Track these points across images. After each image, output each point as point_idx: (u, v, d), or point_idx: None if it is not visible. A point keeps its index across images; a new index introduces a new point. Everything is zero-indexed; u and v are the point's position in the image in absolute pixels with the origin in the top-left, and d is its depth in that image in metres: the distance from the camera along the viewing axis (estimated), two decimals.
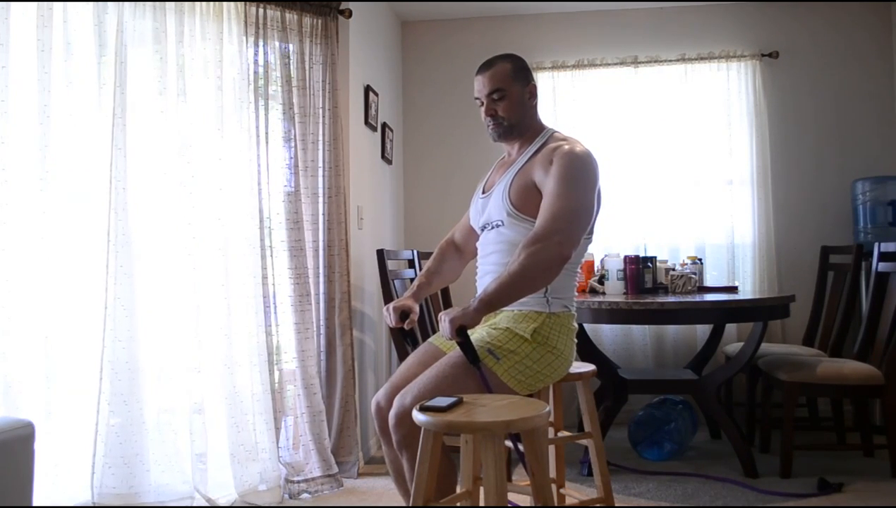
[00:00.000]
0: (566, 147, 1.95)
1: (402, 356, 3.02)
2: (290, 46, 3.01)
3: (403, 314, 2.04)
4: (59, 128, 2.42)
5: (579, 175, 1.89)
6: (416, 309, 2.06)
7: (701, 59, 4.05)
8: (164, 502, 2.56)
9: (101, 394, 2.48)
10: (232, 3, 2.86)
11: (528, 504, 2.11)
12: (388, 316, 2.04)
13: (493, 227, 2.04)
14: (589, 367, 2.25)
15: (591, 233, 2.04)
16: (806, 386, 2.95)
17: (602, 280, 3.44)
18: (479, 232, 2.15)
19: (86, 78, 2.50)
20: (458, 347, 1.82)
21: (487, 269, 2.04)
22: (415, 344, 2.08)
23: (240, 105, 2.85)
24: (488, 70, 2.02)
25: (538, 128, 2.08)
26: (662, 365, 3.99)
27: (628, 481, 2.94)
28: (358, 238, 3.39)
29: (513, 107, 2.01)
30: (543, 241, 1.80)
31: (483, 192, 2.15)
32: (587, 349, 3.15)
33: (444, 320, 1.75)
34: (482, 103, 2.03)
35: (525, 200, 1.95)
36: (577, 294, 2.13)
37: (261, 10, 2.92)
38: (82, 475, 2.48)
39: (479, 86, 2.03)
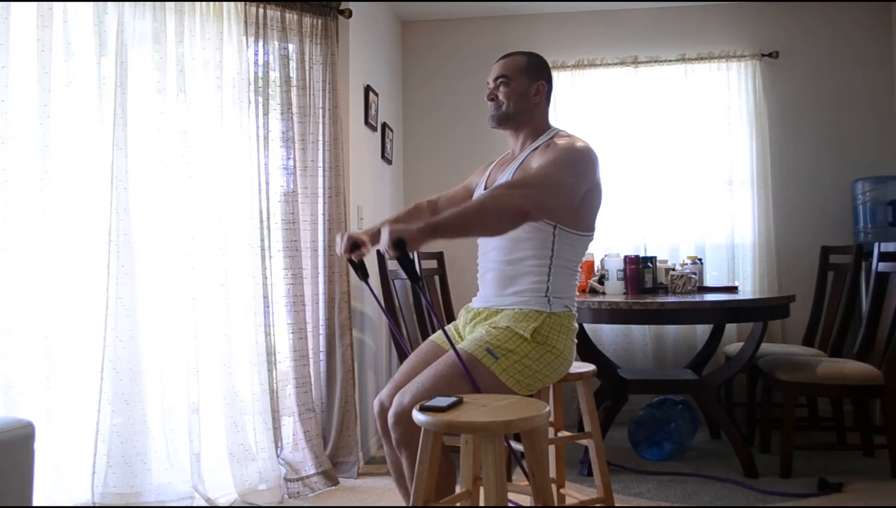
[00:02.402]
0: (567, 139, 1.96)
1: (402, 356, 3.01)
2: (290, 46, 3.01)
3: (354, 245, 2.00)
4: (59, 128, 2.42)
5: (572, 161, 1.89)
6: (369, 245, 2.02)
7: (701, 59, 4.05)
8: (165, 501, 2.57)
9: (102, 394, 2.48)
10: (232, 3, 2.86)
11: (529, 504, 2.11)
12: (339, 243, 2.00)
13: None
14: (589, 367, 2.25)
15: (592, 231, 2.04)
16: (806, 385, 2.95)
17: (602, 280, 3.45)
18: None
19: (86, 78, 2.50)
20: (458, 347, 1.81)
21: (489, 267, 2.03)
22: (365, 277, 2.08)
23: (240, 105, 2.85)
24: (503, 59, 2.07)
25: (543, 126, 2.09)
26: (662, 365, 3.99)
27: (628, 481, 2.94)
28: None
29: (512, 95, 2.03)
30: (509, 189, 1.77)
31: (485, 188, 2.14)
32: (587, 349, 3.15)
33: (384, 232, 1.63)
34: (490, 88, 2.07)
35: None
36: (577, 294, 2.12)
37: (261, 10, 2.92)
38: (82, 475, 2.48)
39: (492, 71, 2.07)
